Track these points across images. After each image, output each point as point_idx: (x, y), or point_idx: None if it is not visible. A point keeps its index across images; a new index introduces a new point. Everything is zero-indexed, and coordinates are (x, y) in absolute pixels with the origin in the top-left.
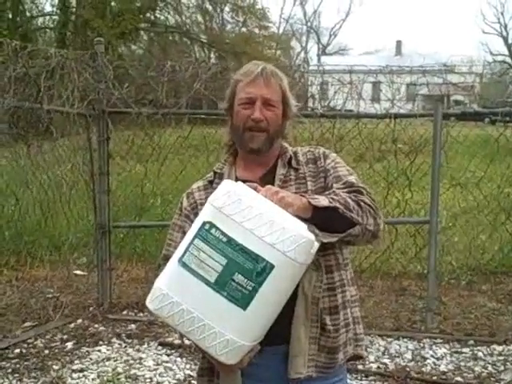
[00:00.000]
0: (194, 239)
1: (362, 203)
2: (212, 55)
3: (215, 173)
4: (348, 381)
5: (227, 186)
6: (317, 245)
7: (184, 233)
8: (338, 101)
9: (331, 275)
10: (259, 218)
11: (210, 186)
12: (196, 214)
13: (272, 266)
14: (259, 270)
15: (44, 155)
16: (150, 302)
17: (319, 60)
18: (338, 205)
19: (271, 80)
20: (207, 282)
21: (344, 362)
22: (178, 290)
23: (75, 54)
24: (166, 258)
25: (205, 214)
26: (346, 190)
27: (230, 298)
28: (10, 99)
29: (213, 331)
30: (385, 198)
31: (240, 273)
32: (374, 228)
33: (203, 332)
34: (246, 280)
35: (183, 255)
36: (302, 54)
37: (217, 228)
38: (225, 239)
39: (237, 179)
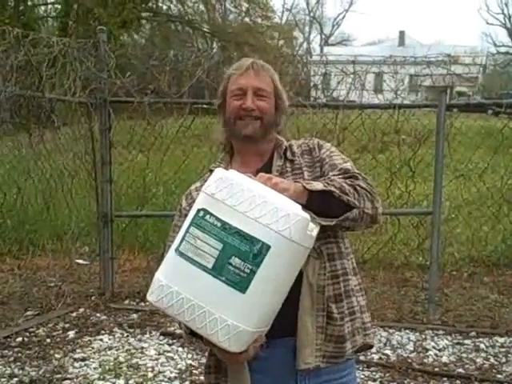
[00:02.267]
0: (189, 227)
1: (358, 187)
2: (214, 45)
3: (211, 172)
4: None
5: (219, 173)
6: (315, 228)
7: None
8: (340, 91)
9: (333, 263)
10: (252, 200)
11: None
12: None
13: (268, 247)
14: (255, 251)
15: (46, 144)
16: (151, 295)
17: (322, 50)
18: (333, 188)
19: (261, 72)
20: (205, 269)
21: (353, 352)
22: (176, 280)
23: (77, 42)
24: None
25: (198, 202)
26: (341, 176)
27: (229, 282)
28: (12, 87)
29: (213, 317)
30: (388, 189)
31: (236, 256)
32: (372, 211)
33: (204, 319)
34: (243, 263)
35: (179, 244)
36: (305, 45)
37: (211, 214)
38: (219, 224)
39: None
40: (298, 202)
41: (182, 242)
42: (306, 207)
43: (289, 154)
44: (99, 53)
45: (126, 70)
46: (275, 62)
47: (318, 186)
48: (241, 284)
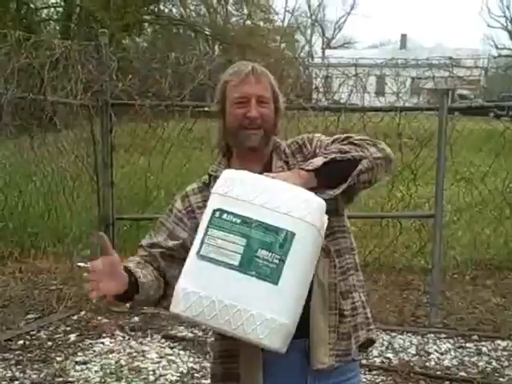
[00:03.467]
0: (207, 230)
1: (356, 141)
2: (216, 48)
3: (210, 175)
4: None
5: (228, 173)
6: (326, 220)
7: (169, 235)
8: (342, 94)
9: (341, 258)
10: (267, 192)
11: (206, 188)
12: (193, 218)
13: (293, 234)
14: (281, 240)
15: (47, 147)
16: (176, 306)
17: (324, 53)
18: (332, 155)
19: (261, 78)
20: (232, 267)
21: (356, 348)
22: (202, 284)
23: (79, 45)
24: (145, 245)
25: (212, 204)
26: (336, 144)
27: (260, 276)
28: (14, 90)
29: (250, 314)
30: (389, 192)
31: (263, 248)
32: (381, 153)
33: (240, 319)
34: (270, 254)
35: (200, 248)
36: (307, 48)
37: (228, 212)
38: (239, 220)
39: None
40: (310, 188)
41: (202, 245)
42: (318, 187)
43: (283, 155)
44: (101, 56)
45: (127, 73)
46: (277, 64)
47: (319, 161)
48: (272, 275)
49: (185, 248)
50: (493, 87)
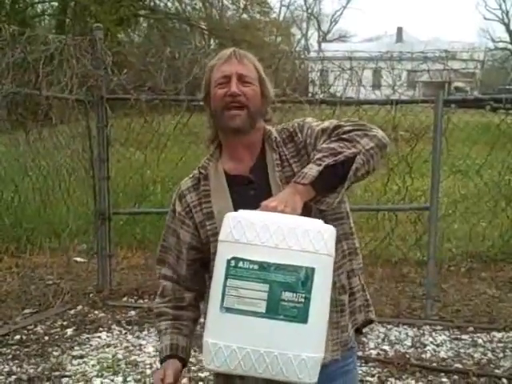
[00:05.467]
0: (225, 281)
1: (345, 135)
2: (212, 42)
3: (201, 173)
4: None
5: (231, 219)
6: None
7: (178, 237)
8: (338, 87)
9: (339, 245)
10: (278, 232)
11: (200, 184)
12: (191, 218)
13: (313, 270)
14: (303, 278)
15: (43, 142)
16: (210, 363)
17: (320, 47)
18: (326, 161)
19: (244, 59)
20: (259, 315)
21: (353, 331)
22: (232, 337)
23: (74, 40)
24: (162, 262)
25: (223, 253)
26: (324, 139)
27: (288, 319)
28: (9, 85)
29: (287, 358)
30: (385, 185)
31: (286, 290)
32: (373, 142)
33: (277, 364)
34: (294, 294)
35: (222, 301)
36: (303, 41)
37: (243, 260)
38: (256, 266)
39: (226, 174)
40: (309, 200)
41: (223, 298)
42: (317, 198)
43: (275, 145)
44: (96, 50)
45: (122, 68)
46: (272, 58)
47: (312, 170)
48: (300, 315)
49: (193, 248)
50: (489, 80)
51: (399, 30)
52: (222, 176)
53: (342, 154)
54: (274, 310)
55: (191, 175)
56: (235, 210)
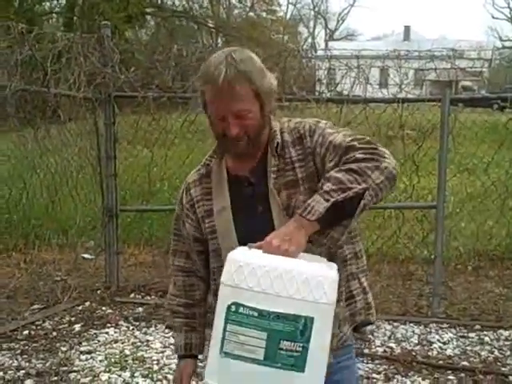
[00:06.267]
0: (225, 326)
1: (356, 166)
2: (219, 40)
3: (205, 165)
4: (356, 361)
5: (232, 263)
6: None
7: (185, 225)
8: (345, 85)
9: (340, 250)
10: (279, 279)
11: (204, 179)
12: (194, 213)
13: (312, 319)
14: (301, 328)
15: (51, 139)
16: None
17: (327, 45)
18: (334, 196)
19: (236, 88)
20: (257, 362)
21: (351, 331)
22: (232, 381)
23: (82, 37)
24: (175, 251)
25: (225, 297)
26: (336, 159)
27: (286, 367)
28: (17, 82)
29: None
30: None
31: (284, 339)
32: (384, 175)
33: None
34: (293, 343)
35: (222, 346)
36: (310, 40)
37: (243, 306)
38: (256, 313)
39: (228, 172)
40: (314, 233)
41: (223, 342)
42: (321, 230)
43: (279, 148)
44: (103, 48)
45: (130, 66)
46: (279, 56)
47: (319, 206)
48: (297, 364)
49: (197, 240)
50: (497, 79)
51: (406, 28)
52: (223, 175)
53: (351, 189)
54: (271, 357)
55: (197, 168)
56: (233, 210)
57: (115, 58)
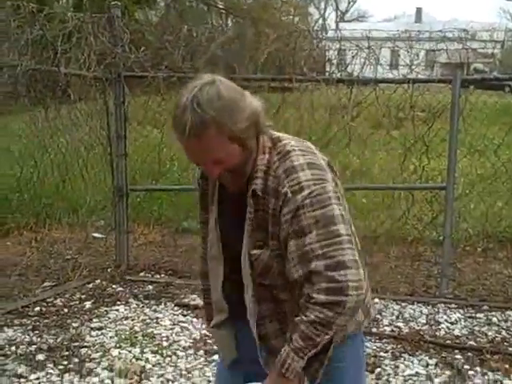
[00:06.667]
0: None
1: (317, 316)
2: (229, 22)
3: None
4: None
5: None
6: None
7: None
8: (355, 66)
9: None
10: None
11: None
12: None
13: None
14: None
15: (62, 119)
16: None
17: (337, 27)
18: (307, 353)
19: (205, 139)
20: None
21: None
22: None
23: (92, 17)
24: (203, 239)
25: None
26: (299, 269)
27: None
28: (28, 62)
29: None
30: (401, 164)
31: None
32: (348, 314)
33: None
34: None
35: None
36: (320, 21)
37: None
38: None
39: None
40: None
41: None
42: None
43: (261, 192)
44: (113, 28)
45: (140, 46)
46: (290, 36)
47: (296, 365)
48: None
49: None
50: (509, 61)
51: (418, 10)
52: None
53: (320, 343)
54: None
55: None
56: (219, 224)
57: (125, 38)
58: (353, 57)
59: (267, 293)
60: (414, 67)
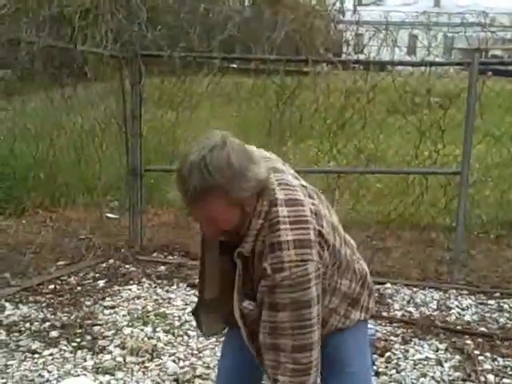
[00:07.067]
0: None
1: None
2: (246, 2)
3: None
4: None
5: None
6: None
7: None
8: (371, 47)
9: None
10: None
11: None
12: None
13: None
14: None
15: (78, 98)
16: None
17: (355, 10)
18: None
19: (208, 202)
20: None
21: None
22: None
23: None
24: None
25: None
26: (266, 341)
27: None
28: (45, 38)
29: None
30: (416, 149)
31: None
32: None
33: None
34: None
35: None
36: (338, 4)
37: None
38: None
39: None
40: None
41: None
42: None
43: (246, 252)
44: (130, 5)
45: (156, 25)
46: (307, 17)
47: None
48: None
49: None
50: None
51: None
52: None
53: None
54: None
55: None
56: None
57: (142, 16)
58: (370, 38)
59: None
60: (431, 49)
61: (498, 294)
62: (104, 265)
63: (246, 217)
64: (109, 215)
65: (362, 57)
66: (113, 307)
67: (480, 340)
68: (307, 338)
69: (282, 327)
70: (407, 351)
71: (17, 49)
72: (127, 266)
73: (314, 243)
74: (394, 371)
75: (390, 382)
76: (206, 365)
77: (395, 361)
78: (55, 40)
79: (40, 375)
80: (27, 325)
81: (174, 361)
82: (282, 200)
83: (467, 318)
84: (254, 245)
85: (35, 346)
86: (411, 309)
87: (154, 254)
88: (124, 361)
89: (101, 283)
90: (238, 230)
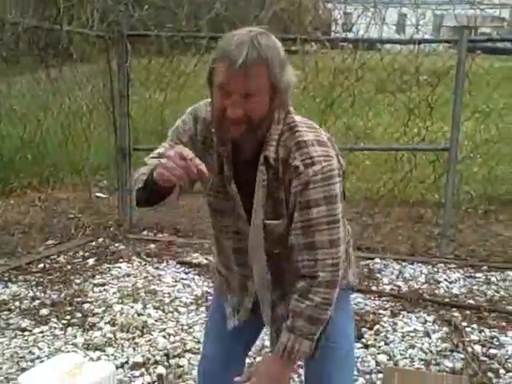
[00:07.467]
0: None
1: (311, 313)
2: None
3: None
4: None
5: None
6: None
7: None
8: (360, 25)
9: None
10: None
11: (210, 126)
12: (187, 143)
13: None
14: None
15: (64, 78)
16: None
17: None
18: (310, 338)
19: (253, 71)
20: None
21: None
22: None
23: None
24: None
25: None
26: (300, 254)
27: None
28: (30, 19)
29: None
30: (405, 126)
31: None
32: (330, 311)
33: None
34: None
35: None
36: None
37: None
38: None
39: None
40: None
41: None
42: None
43: (272, 159)
44: None
45: (143, 4)
46: None
47: (304, 348)
48: None
49: None
50: None
51: None
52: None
53: (326, 319)
54: None
55: (210, 108)
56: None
57: None
58: (358, 16)
59: (272, 263)
60: (420, 27)
61: (485, 268)
62: (93, 243)
63: (271, 113)
64: (98, 194)
65: (350, 35)
66: (103, 285)
67: (467, 312)
68: (337, 233)
69: (318, 222)
70: (396, 324)
71: (1, 30)
72: (117, 245)
73: (331, 148)
74: (382, 343)
75: (379, 353)
76: (196, 340)
77: (384, 333)
78: (40, 21)
79: (30, 352)
80: (17, 303)
81: (164, 336)
82: (297, 117)
83: (455, 290)
84: (277, 151)
85: (25, 323)
86: (400, 283)
87: (144, 233)
88: (114, 337)
89: (90, 261)
90: (257, 128)
